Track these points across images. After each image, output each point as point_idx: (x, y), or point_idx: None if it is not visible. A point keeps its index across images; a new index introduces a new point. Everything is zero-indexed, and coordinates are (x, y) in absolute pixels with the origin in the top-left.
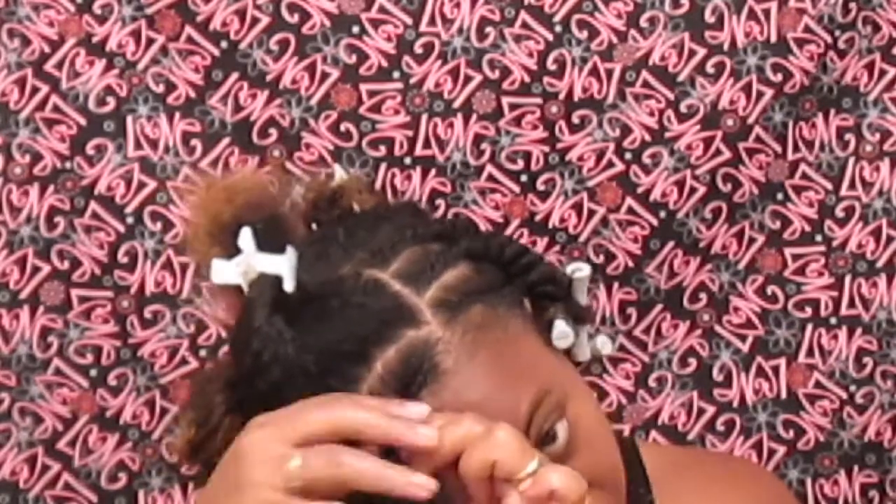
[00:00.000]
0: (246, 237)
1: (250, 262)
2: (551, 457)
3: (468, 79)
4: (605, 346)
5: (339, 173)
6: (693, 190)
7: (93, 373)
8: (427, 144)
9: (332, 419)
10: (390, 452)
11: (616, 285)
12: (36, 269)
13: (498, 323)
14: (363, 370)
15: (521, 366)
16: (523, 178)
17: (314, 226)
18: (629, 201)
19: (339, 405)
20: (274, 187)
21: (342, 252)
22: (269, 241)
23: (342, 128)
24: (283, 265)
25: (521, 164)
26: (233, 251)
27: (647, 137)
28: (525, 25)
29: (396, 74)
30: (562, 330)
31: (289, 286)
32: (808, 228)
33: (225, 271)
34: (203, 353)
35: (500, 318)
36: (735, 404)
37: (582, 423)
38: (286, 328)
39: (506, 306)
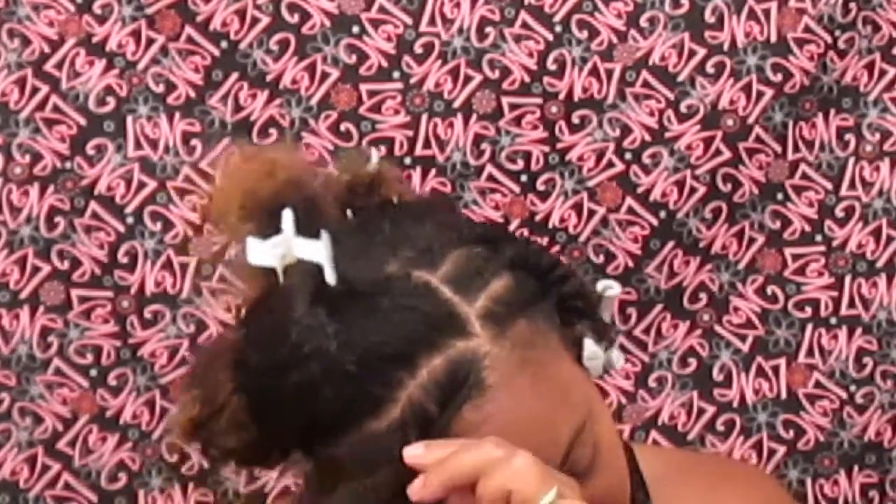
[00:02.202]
0: (287, 219)
1: (289, 246)
2: (574, 477)
3: (468, 79)
4: (618, 360)
5: (375, 157)
6: (693, 190)
7: (93, 373)
8: (427, 144)
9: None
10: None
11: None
12: (36, 269)
13: (540, 339)
14: (406, 375)
15: (561, 387)
16: (523, 178)
17: (349, 211)
18: (629, 201)
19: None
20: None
21: (387, 248)
22: (306, 225)
23: (342, 128)
24: (321, 253)
25: (521, 164)
26: (266, 230)
27: (647, 137)
28: (525, 25)
29: (396, 74)
30: (592, 350)
31: (330, 278)
32: (808, 228)
33: (261, 252)
34: None
35: (542, 334)
36: (735, 404)
37: (603, 442)
38: (329, 321)
39: (544, 321)
